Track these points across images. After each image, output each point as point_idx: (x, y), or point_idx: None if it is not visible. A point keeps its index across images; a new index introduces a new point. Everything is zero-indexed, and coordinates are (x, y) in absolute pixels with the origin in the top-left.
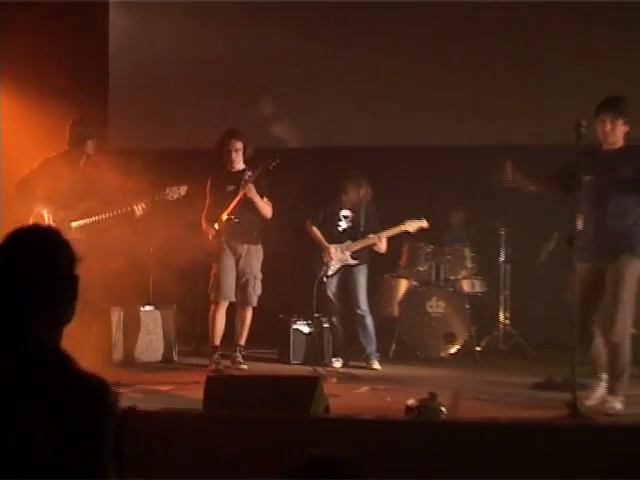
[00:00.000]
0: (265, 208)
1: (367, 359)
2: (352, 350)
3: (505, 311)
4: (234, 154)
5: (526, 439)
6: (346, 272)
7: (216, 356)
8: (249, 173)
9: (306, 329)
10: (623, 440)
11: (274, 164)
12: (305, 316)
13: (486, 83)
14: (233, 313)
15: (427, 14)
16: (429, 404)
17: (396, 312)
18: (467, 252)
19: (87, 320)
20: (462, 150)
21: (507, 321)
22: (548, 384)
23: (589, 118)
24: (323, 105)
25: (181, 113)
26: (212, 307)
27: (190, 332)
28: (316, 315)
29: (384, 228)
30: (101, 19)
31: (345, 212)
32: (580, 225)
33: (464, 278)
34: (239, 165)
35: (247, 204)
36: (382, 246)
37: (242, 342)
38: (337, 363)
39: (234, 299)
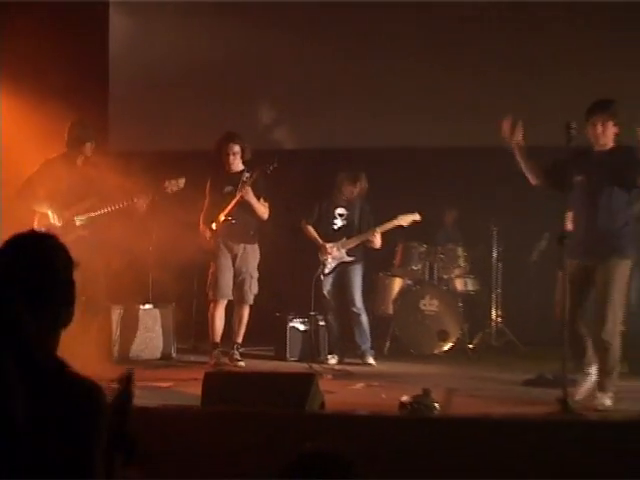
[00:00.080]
0: (261, 209)
1: (362, 356)
2: (347, 347)
3: (497, 309)
4: (232, 157)
5: (518, 434)
6: (341, 271)
7: (216, 352)
8: (247, 174)
9: (302, 327)
10: (612, 435)
11: (272, 168)
12: (301, 314)
13: (482, 84)
14: (231, 311)
15: (424, 14)
16: (423, 400)
17: (390, 310)
18: (460, 251)
19: (88, 318)
20: (455, 151)
21: (499, 319)
22: (539, 380)
23: (581, 120)
24: (320, 107)
25: (180, 115)
26: (211, 305)
27: (188, 330)
28: (312, 313)
29: (378, 225)
30: (101, 21)
31: (340, 210)
32: (571, 225)
33: (457, 277)
34: (237, 167)
35: (244, 205)
36: (376, 241)
37: (239, 339)
38: (332, 360)
39: (232, 297)
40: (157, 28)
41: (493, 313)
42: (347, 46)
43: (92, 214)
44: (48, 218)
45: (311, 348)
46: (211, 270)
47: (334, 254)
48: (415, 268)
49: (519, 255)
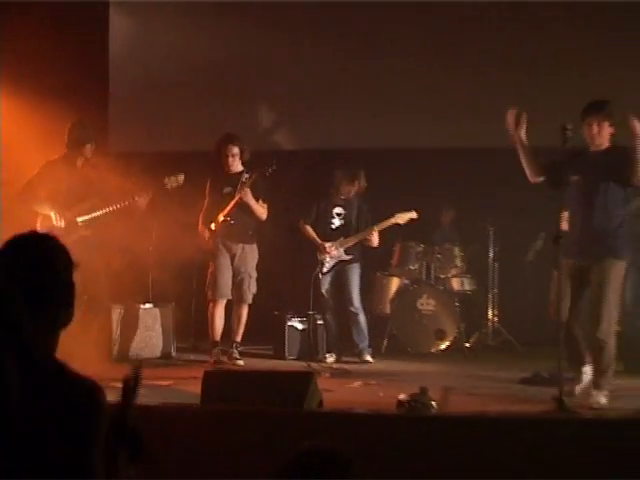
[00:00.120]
0: (260, 210)
1: (360, 354)
2: (345, 346)
3: (493, 308)
4: (230, 159)
5: (514, 432)
6: (340, 270)
7: (216, 350)
8: (246, 175)
9: (300, 326)
10: (607, 433)
11: (270, 170)
12: (300, 313)
13: (481, 85)
14: (230, 310)
15: (424, 14)
16: (420, 398)
17: (388, 309)
18: (457, 251)
19: (89, 317)
20: (452, 152)
21: (495, 318)
22: (535, 379)
23: (579, 120)
24: (319, 107)
25: (180, 115)
26: (210, 305)
27: (187, 329)
28: (310, 312)
29: (375, 223)
30: (101, 21)
31: (338, 210)
32: (566, 224)
33: (454, 276)
34: (236, 168)
35: (243, 206)
36: (374, 240)
37: (238, 338)
38: (330, 359)
39: (231, 297)
40: (157, 28)
41: (489, 312)
42: (346, 46)
43: (93, 214)
44: (50, 220)
45: (309, 347)
46: (210, 270)
47: (332, 253)
48: (412, 268)
49: (515, 255)
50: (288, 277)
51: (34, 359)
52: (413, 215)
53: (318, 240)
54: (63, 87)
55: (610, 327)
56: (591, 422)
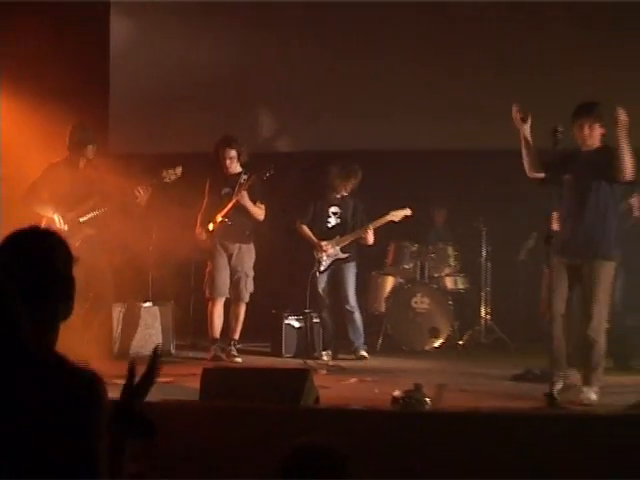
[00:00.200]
0: (257, 212)
1: (355, 351)
2: (341, 344)
3: (486, 307)
4: (228, 161)
5: (507, 428)
6: (336, 269)
7: (215, 347)
8: (245, 177)
9: (297, 324)
10: (597, 429)
11: (268, 174)
12: (296, 311)
13: (479, 86)
14: (228, 308)
15: (419, 15)
16: (414, 395)
17: (383, 308)
18: (450, 251)
19: (92, 315)
20: (446, 153)
21: (488, 316)
22: (527, 376)
23: (566, 123)
24: (314, 110)
25: (180, 117)
26: (209, 303)
27: (186, 327)
28: (307, 310)
29: (370, 222)
30: (102, 23)
31: (334, 209)
32: (556, 224)
33: (447, 275)
34: (235, 169)
35: (240, 207)
36: (369, 238)
37: (236, 336)
38: (327, 356)
39: (228, 295)
40: (157, 30)
41: (482, 311)
42: (343, 48)
43: (95, 213)
44: (54, 222)
45: (306, 345)
46: (208, 269)
47: (329, 251)
48: (407, 267)
49: (507, 254)
50: (285, 276)
51: (32, 354)
52: (407, 212)
53: (314, 239)
54: (63, 88)
55: (600, 325)
56: (581, 418)
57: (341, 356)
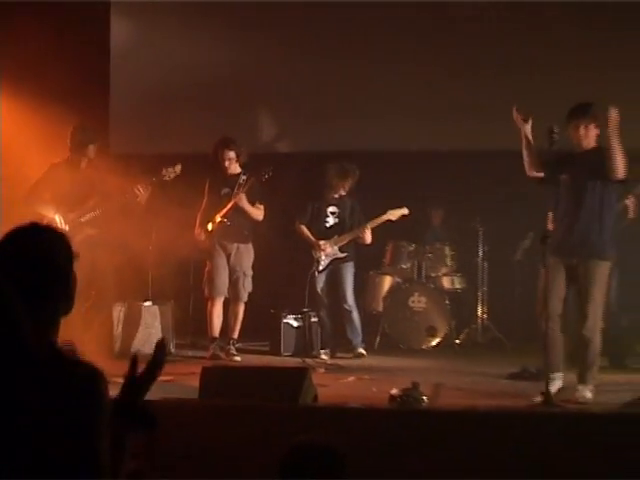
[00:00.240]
0: (255, 213)
1: (353, 349)
2: (339, 343)
3: (483, 306)
4: (227, 162)
5: (503, 426)
6: (334, 269)
7: (214, 345)
8: (244, 177)
9: (296, 323)
10: (592, 427)
11: (266, 176)
12: (295, 311)
13: (473, 87)
14: (228, 308)
15: (419, 15)
16: (411, 393)
17: (381, 307)
18: (447, 251)
19: (93, 314)
20: (443, 154)
21: (485, 315)
22: (523, 374)
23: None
24: (314, 110)
25: (180, 117)
26: (209, 303)
27: (186, 326)
28: (305, 310)
29: (368, 221)
30: (102, 23)
31: (332, 209)
32: (551, 225)
33: (444, 275)
34: (234, 170)
35: (239, 208)
36: (367, 237)
37: (235, 335)
38: (325, 355)
39: (227, 294)
40: (158, 30)
41: (479, 310)
42: (342, 49)
43: (95, 213)
44: (55, 223)
45: (304, 343)
46: (207, 268)
47: (327, 251)
48: (404, 267)
49: (504, 254)
50: (284, 276)
51: (33, 356)
52: (404, 211)
53: (312, 238)
54: (63, 89)
55: (596, 324)
56: (577, 416)
57: (339, 355)
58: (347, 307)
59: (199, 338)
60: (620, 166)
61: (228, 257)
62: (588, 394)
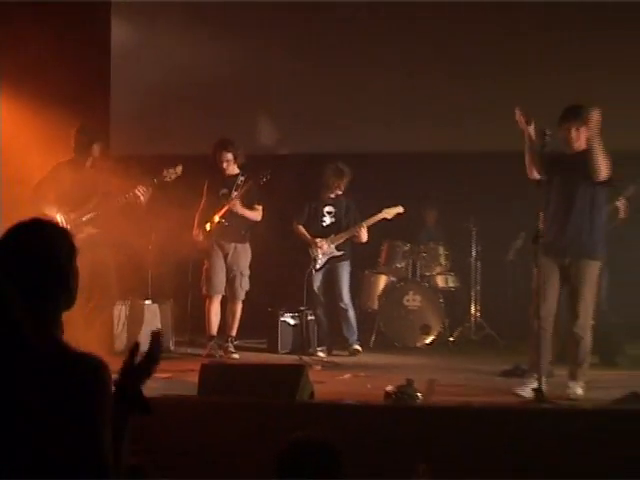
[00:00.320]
0: (252, 214)
1: (349, 347)
2: (335, 340)
3: (476, 304)
4: (225, 164)
5: (496, 422)
6: (331, 268)
7: (212, 343)
8: (242, 178)
9: (293, 321)
10: (583, 423)
11: (265, 179)
12: (292, 309)
13: (470, 89)
14: (225, 306)
15: (419, 15)
16: (406, 390)
17: (376, 306)
18: (441, 250)
19: (96, 313)
20: (437, 155)
21: (478, 314)
22: (515, 371)
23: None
24: (312, 112)
25: (180, 119)
26: (207, 301)
27: (184, 324)
28: (302, 308)
29: (363, 220)
30: (103, 24)
31: (328, 208)
32: (544, 224)
33: (438, 274)
34: (232, 171)
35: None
36: (363, 236)
37: (233, 333)
38: (321, 352)
39: (224, 293)
40: (159, 32)
41: (472, 308)
42: (343, 47)
43: (95, 213)
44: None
45: (301, 341)
46: (205, 267)
47: (324, 248)
48: (399, 266)
49: (496, 254)
50: (281, 275)
51: (35, 352)
52: (399, 210)
53: (310, 238)
54: (64, 91)
55: (586, 322)
56: (568, 412)
57: (335, 352)
58: (343, 305)
59: (197, 336)
60: (602, 167)
61: (225, 256)
62: (579, 390)
